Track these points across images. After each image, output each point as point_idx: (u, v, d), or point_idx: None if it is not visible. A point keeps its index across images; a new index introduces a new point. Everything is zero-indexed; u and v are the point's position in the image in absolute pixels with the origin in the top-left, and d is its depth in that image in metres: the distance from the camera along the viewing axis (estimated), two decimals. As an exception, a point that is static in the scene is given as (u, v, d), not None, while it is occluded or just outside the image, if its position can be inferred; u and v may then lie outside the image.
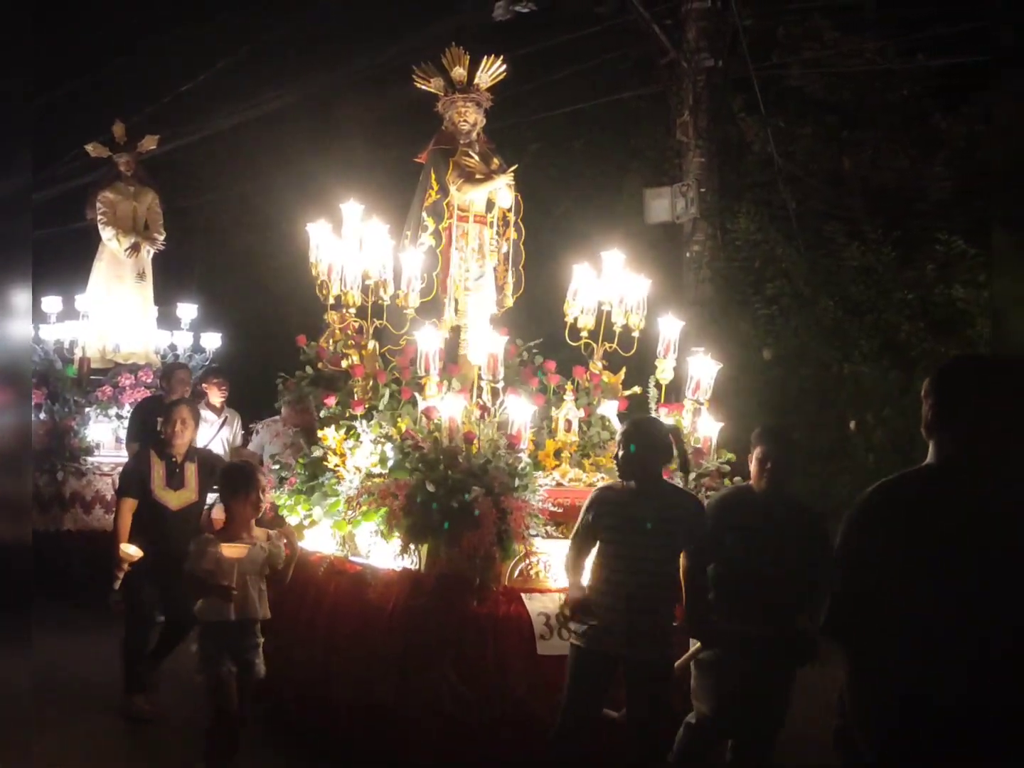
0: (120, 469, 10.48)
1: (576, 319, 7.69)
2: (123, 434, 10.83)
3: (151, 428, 9.57)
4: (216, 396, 10.31)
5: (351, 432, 6.98)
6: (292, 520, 7.44)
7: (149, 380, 11.44)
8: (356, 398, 7.07)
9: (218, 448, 9.59)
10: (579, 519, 5.54)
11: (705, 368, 6.93)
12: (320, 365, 7.38)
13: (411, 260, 7.24)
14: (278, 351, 13.45)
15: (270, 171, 14.26)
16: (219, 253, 15.63)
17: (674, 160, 12.60)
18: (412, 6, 12.51)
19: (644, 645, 5.31)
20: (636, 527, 5.31)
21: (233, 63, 12.88)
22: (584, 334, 7.75)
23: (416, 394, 6.69)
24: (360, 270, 7.34)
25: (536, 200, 10.95)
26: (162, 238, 12.15)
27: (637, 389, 7.68)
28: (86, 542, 10.84)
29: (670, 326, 7.17)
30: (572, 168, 14.41)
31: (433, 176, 7.78)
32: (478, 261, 7.84)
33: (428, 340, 6.52)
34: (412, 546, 6.33)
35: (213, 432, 10.18)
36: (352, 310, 7.38)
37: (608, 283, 7.76)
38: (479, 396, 6.51)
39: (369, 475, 6.77)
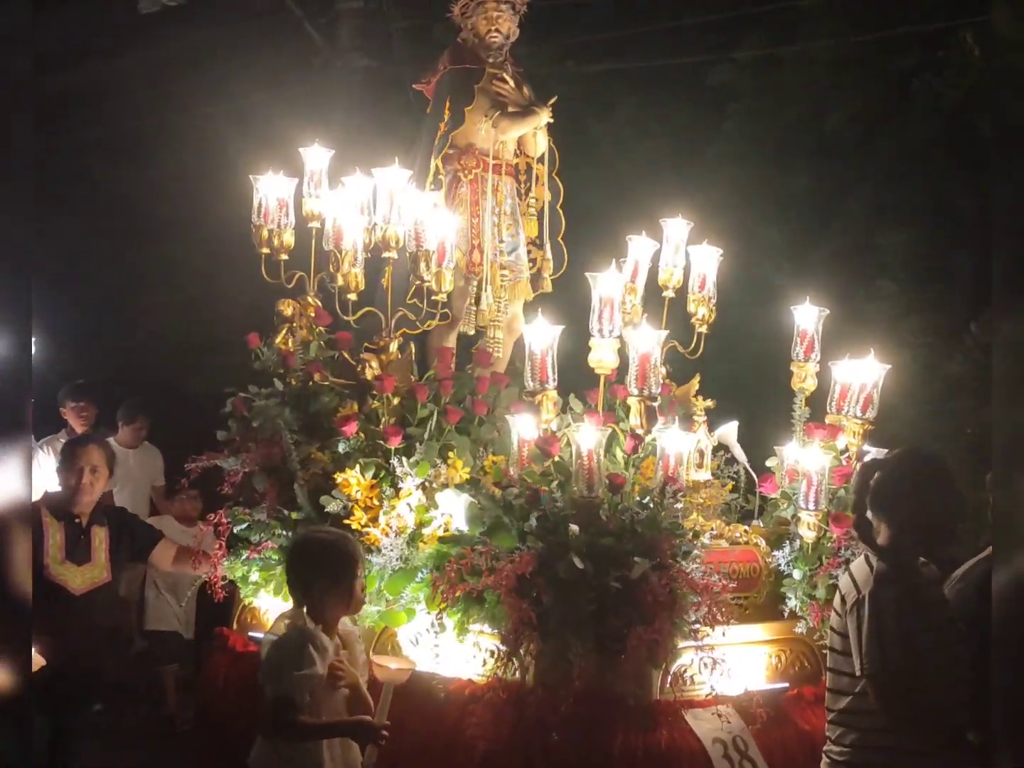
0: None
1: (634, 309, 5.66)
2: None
3: None
4: (78, 423, 7.63)
5: (383, 475, 4.68)
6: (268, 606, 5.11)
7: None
8: (385, 424, 4.77)
9: None
10: None
11: (871, 373, 5.02)
12: (318, 377, 4.99)
13: (445, 222, 5.00)
14: (109, 358, 10.72)
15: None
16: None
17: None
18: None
19: None
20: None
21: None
22: (631, 329, 5.70)
23: (512, 418, 4.45)
24: (359, 237, 5.05)
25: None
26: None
27: (710, 403, 5.67)
28: None
29: (807, 316, 5.21)
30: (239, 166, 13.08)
31: (448, 106, 5.56)
32: (509, 229, 5.68)
33: (542, 336, 4.30)
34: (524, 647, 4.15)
35: None
36: (352, 296, 5.06)
37: (671, 260, 5.74)
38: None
39: (417, 538, 4.53)
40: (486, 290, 5.54)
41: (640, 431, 4.40)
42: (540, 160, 5.85)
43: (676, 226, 5.68)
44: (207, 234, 11.08)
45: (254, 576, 5.09)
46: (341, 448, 4.70)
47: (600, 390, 4.53)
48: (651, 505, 4.19)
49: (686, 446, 4.29)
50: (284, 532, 4.95)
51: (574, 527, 4.12)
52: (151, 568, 6.03)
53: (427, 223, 4.82)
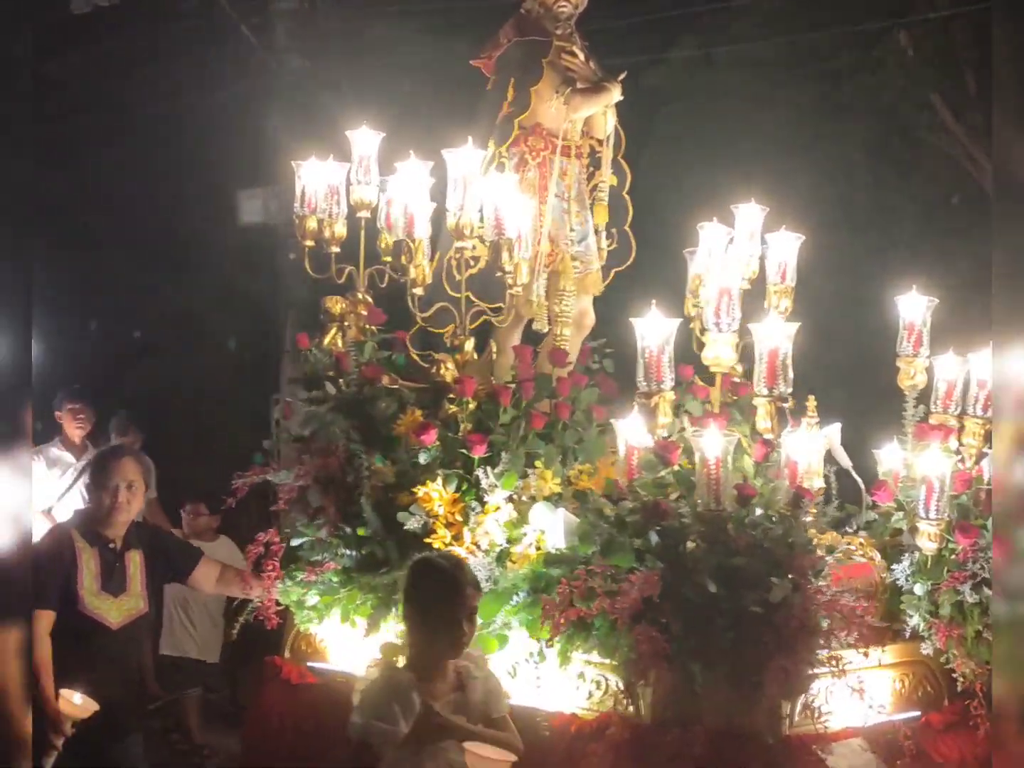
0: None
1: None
2: None
3: None
4: (74, 429, 7.11)
5: (466, 489, 4.22)
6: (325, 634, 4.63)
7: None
8: (464, 431, 4.31)
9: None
10: None
11: (986, 367, 4.60)
12: (387, 380, 4.52)
13: (523, 208, 4.54)
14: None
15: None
16: None
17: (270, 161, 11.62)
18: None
19: None
20: None
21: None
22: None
23: (619, 423, 3.99)
24: (427, 226, 4.59)
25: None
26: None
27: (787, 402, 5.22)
28: None
29: (914, 306, 4.78)
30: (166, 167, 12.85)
31: (512, 85, 5.09)
32: (579, 216, 5.23)
33: (656, 331, 3.85)
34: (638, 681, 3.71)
35: (69, 482, 7.03)
36: (417, 291, 4.59)
37: (746, 250, 5.29)
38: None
39: (505, 556, 4.08)
40: (537, 280, 5.07)
41: (770, 436, 3.96)
42: (606, 142, 5.39)
43: (749, 212, 5.24)
44: (141, 237, 10.95)
45: (312, 600, 4.62)
46: (422, 459, 4.21)
47: (717, 389, 4.09)
48: (776, 518, 3.75)
49: (816, 452, 3.85)
50: (347, 552, 4.49)
51: (690, 543, 3.68)
52: (190, 590, 5.54)
53: (508, 209, 4.36)
